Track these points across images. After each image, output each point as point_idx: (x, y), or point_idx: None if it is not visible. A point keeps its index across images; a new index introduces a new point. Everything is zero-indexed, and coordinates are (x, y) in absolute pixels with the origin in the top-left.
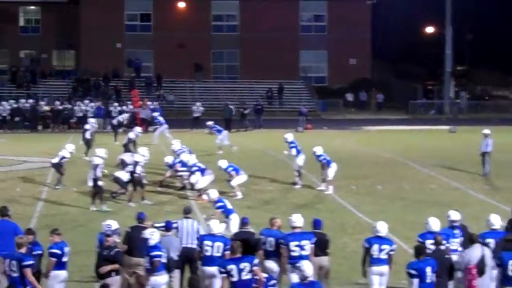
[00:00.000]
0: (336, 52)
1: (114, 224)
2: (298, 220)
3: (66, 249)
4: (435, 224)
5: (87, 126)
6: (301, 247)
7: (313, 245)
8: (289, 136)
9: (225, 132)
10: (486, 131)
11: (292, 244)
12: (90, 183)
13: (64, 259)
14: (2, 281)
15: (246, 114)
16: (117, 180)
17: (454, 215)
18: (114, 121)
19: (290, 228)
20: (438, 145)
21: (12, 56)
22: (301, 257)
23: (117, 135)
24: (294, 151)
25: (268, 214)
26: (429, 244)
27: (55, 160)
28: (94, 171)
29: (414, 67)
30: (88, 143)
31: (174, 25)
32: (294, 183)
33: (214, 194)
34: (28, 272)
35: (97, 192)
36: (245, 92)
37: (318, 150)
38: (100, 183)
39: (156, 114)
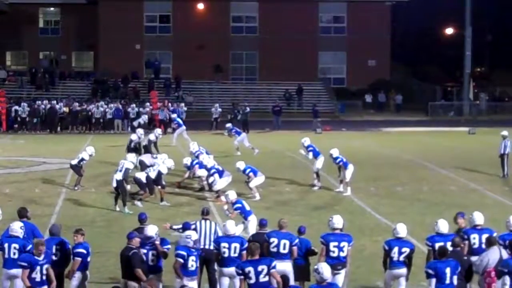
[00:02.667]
0: (355, 54)
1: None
2: (338, 221)
3: (90, 250)
4: (443, 226)
5: (133, 137)
6: (340, 249)
7: (350, 248)
8: (306, 140)
9: (243, 134)
10: (504, 132)
11: (332, 245)
12: (114, 185)
13: (88, 259)
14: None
15: (237, 116)
16: (137, 181)
17: (479, 218)
18: (135, 123)
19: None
20: (457, 146)
21: (32, 58)
22: (338, 259)
23: None
24: (311, 155)
25: (286, 215)
26: (437, 246)
27: (74, 161)
28: (123, 173)
29: (433, 68)
30: (139, 149)
31: (193, 26)
32: (313, 185)
33: (232, 195)
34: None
35: (121, 194)
36: (264, 93)
37: (335, 152)
38: (127, 186)
39: (174, 115)
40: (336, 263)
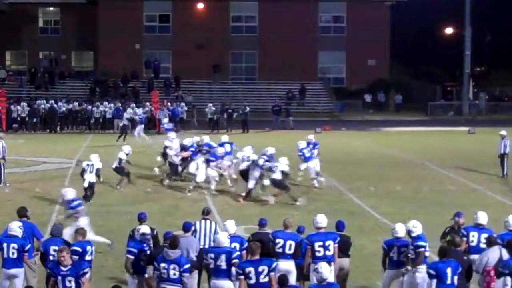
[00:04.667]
0: (354, 53)
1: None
2: (322, 220)
3: (88, 248)
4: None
5: (166, 143)
6: (326, 247)
7: (337, 246)
8: (302, 143)
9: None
10: (503, 132)
11: (317, 245)
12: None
13: (87, 257)
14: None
15: (233, 115)
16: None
17: (483, 218)
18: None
19: (314, 229)
20: (457, 146)
21: (31, 57)
22: (325, 258)
23: (125, 136)
24: (302, 161)
25: (285, 215)
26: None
27: (114, 164)
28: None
29: (433, 68)
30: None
31: (192, 26)
32: (315, 187)
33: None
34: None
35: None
36: (263, 93)
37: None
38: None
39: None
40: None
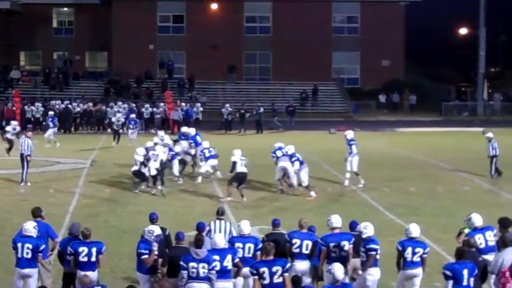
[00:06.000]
0: (369, 54)
1: (156, 230)
2: (337, 220)
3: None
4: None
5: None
6: (341, 248)
7: (351, 246)
8: (291, 147)
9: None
10: (490, 134)
11: (332, 245)
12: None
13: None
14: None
15: (245, 116)
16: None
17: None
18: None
19: (329, 229)
20: (471, 147)
21: (45, 58)
22: (340, 258)
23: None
24: (297, 165)
25: (298, 215)
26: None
27: (135, 167)
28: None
29: (447, 68)
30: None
31: (206, 26)
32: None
33: None
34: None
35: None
36: (277, 93)
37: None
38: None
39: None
40: None
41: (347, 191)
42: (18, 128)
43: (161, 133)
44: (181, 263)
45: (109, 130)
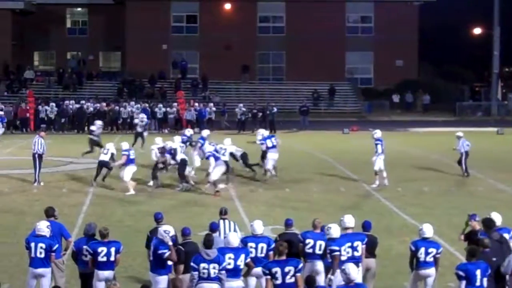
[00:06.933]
0: (382, 54)
1: (171, 230)
2: (350, 220)
3: (100, 249)
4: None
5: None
6: (354, 248)
7: (364, 246)
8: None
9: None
10: (459, 133)
11: (346, 245)
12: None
13: (101, 259)
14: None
15: (258, 116)
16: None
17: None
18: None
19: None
20: (485, 147)
21: (59, 58)
22: (353, 258)
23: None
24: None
25: (313, 215)
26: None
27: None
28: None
29: (461, 68)
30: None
31: (220, 26)
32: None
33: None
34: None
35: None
36: (291, 93)
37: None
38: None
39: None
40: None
41: (359, 191)
42: (100, 129)
43: (189, 130)
44: (192, 264)
45: (122, 131)
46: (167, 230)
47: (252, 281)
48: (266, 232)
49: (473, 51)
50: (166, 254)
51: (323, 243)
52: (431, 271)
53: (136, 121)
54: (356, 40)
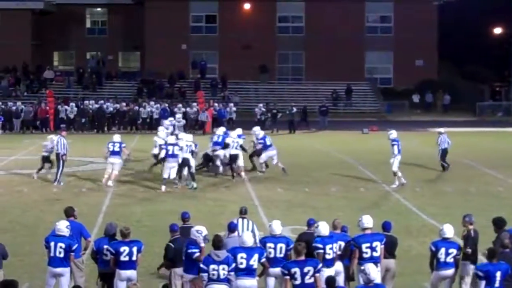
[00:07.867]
0: (402, 53)
1: (204, 230)
2: (368, 221)
3: (123, 249)
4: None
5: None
6: (373, 249)
7: (383, 247)
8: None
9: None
10: (441, 129)
11: (364, 246)
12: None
13: (123, 258)
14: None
15: (277, 115)
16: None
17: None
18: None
19: (360, 230)
20: (505, 147)
21: (79, 58)
22: (372, 259)
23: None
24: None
25: (332, 215)
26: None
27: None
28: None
29: (481, 68)
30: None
31: (239, 26)
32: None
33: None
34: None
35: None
36: (310, 93)
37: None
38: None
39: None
40: None
41: (378, 191)
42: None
43: (221, 129)
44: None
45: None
46: (199, 230)
47: (271, 281)
48: (285, 232)
49: (493, 51)
50: (196, 255)
51: (342, 244)
52: (451, 271)
53: (173, 122)
54: (375, 40)
